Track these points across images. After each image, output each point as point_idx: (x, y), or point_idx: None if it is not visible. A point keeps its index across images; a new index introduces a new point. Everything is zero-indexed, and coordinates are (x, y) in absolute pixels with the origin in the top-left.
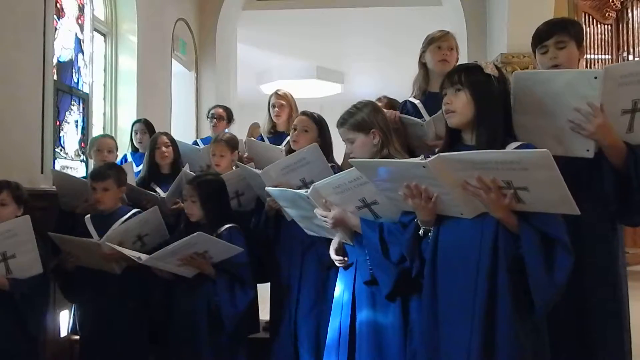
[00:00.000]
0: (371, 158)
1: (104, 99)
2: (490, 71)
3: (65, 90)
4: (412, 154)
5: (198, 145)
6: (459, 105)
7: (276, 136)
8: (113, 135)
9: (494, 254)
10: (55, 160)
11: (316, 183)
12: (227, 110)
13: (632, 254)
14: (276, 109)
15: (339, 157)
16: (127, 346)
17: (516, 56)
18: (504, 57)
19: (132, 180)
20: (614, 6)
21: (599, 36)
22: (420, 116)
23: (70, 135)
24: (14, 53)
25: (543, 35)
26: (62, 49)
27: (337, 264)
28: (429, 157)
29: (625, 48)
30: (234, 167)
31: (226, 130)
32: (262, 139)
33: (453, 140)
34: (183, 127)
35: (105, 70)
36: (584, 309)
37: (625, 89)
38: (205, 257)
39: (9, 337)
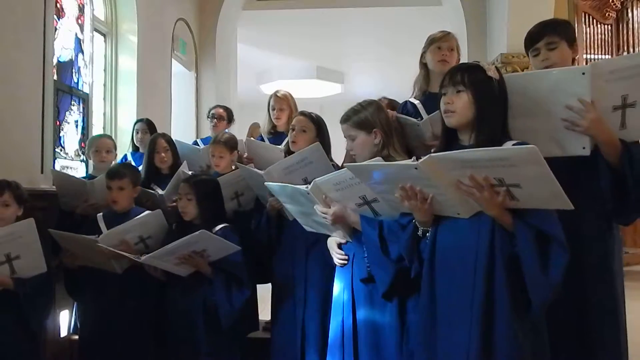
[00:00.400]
0: (371, 157)
1: (104, 99)
2: (492, 74)
3: (65, 90)
4: (411, 155)
5: (198, 145)
6: (460, 106)
7: (276, 136)
8: (113, 135)
9: (491, 253)
10: (55, 160)
11: (317, 179)
12: (228, 111)
13: (632, 254)
14: (276, 111)
15: (338, 157)
16: (128, 346)
17: (516, 56)
18: (504, 57)
19: None
20: (614, 6)
21: (599, 36)
22: (420, 116)
23: (70, 135)
24: (14, 53)
25: (533, 38)
26: (62, 49)
27: (339, 261)
28: (421, 158)
29: (625, 48)
30: (233, 167)
31: (226, 131)
32: (262, 139)
33: (449, 140)
34: (183, 127)
35: (105, 70)
36: (582, 307)
37: (614, 85)
38: (203, 256)
39: (12, 336)
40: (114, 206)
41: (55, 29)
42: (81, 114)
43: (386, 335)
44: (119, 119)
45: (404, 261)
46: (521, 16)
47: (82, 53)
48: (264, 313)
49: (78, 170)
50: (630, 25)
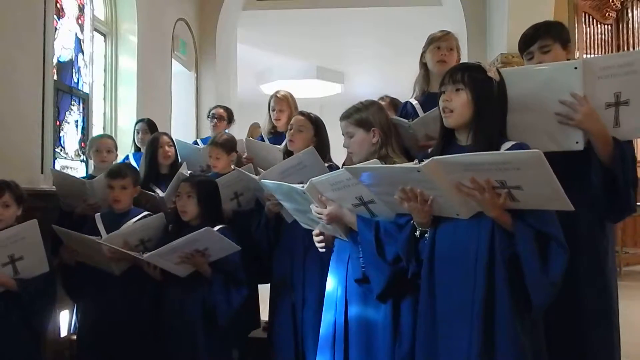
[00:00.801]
0: (367, 156)
1: (104, 99)
2: (492, 75)
3: (65, 90)
4: (409, 155)
5: (198, 145)
6: (458, 105)
7: (276, 137)
8: (113, 135)
9: (490, 253)
10: (55, 160)
11: (313, 179)
12: (228, 111)
13: (632, 254)
14: (276, 112)
15: (339, 158)
16: (126, 346)
17: (516, 56)
18: (504, 57)
19: None
20: (614, 6)
21: (599, 36)
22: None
23: (70, 135)
24: (14, 53)
25: (527, 41)
26: (62, 49)
27: (317, 245)
28: (423, 161)
29: (625, 48)
30: (233, 167)
31: (226, 131)
32: (263, 139)
33: (447, 140)
34: (183, 127)
35: (105, 70)
36: (575, 307)
37: (606, 82)
38: (204, 255)
39: (16, 337)
40: (115, 205)
41: (55, 29)
42: (81, 114)
43: (378, 335)
44: (119, 119)
45: (399, 263)
46: (521, 16)
47: (82, 53)
48: (265, 313)
49: (78, 170)
50: (630, 25)
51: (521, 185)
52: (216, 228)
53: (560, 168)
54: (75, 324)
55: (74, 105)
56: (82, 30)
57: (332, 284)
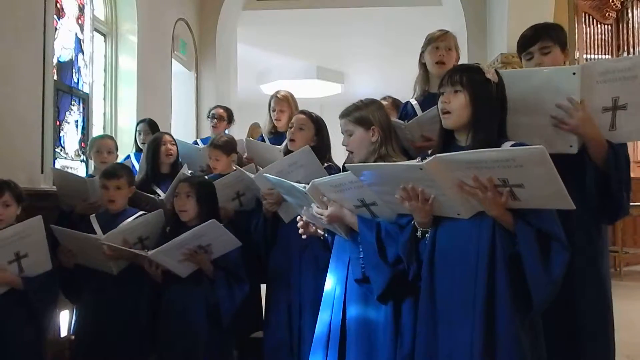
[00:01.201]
0: (367, 155)
1: (104, 99)
2: (491, 77)
3: (65, 90)
4: (406, 154)
5: (198, 145)
6: (456, 106)
7: (277, 137)
8: (113, 135)
9: (492, 253)
10: (55, 160)
11: (315, 180)
12: (228, 111)
13: (632, 254)
14: (276, 112)
15: (339, 158)
16: (124, 347)
17: (516, 56)
18: (504, 57)
19: None
20: (614, 6)
21: (599, 36)
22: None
23: (70, 135)
24: (14, 53)
25: (527, 42)
26: (62, 49)
27: (300, 230)
28: (425, 158)
29: (625, 48)
30: (234, 167)
31: (226, 131)
32: (263, 139)
33: (447, 141)
34: (183, 127)
35: (105, 70)
36: (571, 307)
37: (604, 87)
38: (207, 252)
39: (21, 334)
40: (109, 206)
41: (55, 29)
42: (81, 114)
43: (379, 336)
44: (119, 119)
45: (400, 264)
46: (521, 16)
47: (82, 53)
48: None
49: (78, 170)
50: (630, 25)
51: (523, 184)
52: None
53: (556, 169)
54: (74, 324)
55: (74, 105)
56: (82, 30)
57: (330, 283)
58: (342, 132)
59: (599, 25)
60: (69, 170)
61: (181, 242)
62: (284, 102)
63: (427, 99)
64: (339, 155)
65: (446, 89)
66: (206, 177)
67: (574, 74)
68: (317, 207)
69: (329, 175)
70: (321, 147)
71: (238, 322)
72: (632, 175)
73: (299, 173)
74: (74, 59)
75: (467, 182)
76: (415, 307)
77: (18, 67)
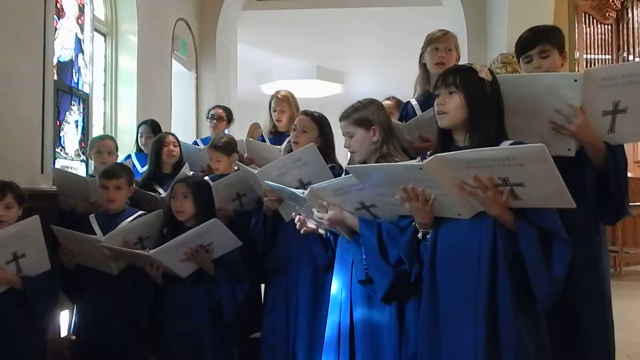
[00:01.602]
0: (369, 155)
1: (104, 99)
2: (484, 76)
3: (65, 90)
4: (407, 154)
5: (198, 145)
6: (452, 107)
7: (277, 137)
8: (113, 135)
9: (493, 253)
10: (55, 160)
11: (314, 185)
12: (227, 111)
13: (632, 254)
14: (277, 113)
15: (340, 157)
16: (124, 347)
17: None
18: (504, 57)
19: None
20: (614, 6)
21: (599, 36)
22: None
23: (70, 135)
24: (14, 53)
25: (526, 45)
26: (62, 49)
27: (298, 225)
28: (426, 158)
29: (625, 48)
30: (235, 168)
31: (226, 131)
32: (263, 140)
33: (445, 141)
34: (183, 127)
35: (105, 70)
36: (571, 307)
37: (606, 91)
38: (208, 251)
39: (21, 334)
40: (109, 205)
41: (55, 29)
42: (81, 114)
43: (384, 336)
44: (119, 119)
45: (403, 265)
46: (521, 16)
47: (82, 53)
48: None
49: (78, 170)
50: (630, 25)
51: (524, 182)
52: None
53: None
54: (74, 324)
55: (74, 105)
56: (82, 30)
57: (336, 286)
58: (343, 135)
59: (599, 25)
60: (69, 170)
61: (183, 241)
62: (285, 102)
63: (428, 99)
64: (340, 155)
65: (441, 90)
66: (208, 177)
67: (575, 80)
68: (318, 211)
69: (333, 175)
70: (325, 148)
71: (238, 322)
72: (632, 175)
73: (303, 171)
74: (74, 59)
75: (468, 182)
76: (420, 307)
77: (18, 67)
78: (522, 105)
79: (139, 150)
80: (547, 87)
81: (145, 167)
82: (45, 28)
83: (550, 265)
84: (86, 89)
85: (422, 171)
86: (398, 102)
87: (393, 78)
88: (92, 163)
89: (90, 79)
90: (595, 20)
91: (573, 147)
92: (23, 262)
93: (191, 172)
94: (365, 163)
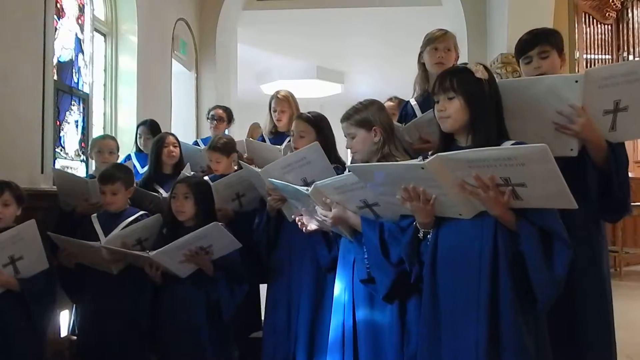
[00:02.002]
0: (370, 155)
1: (104, 99)
2: (481, 75)
3: (65, 90)
4: (409, 154)
5: (198, 145)
6: (453, 112)
7: (277, 137)
8: (113, 135)
9: (494, 253)
10: (55, 160)
11: (317, 182)
12: (227, 111)
13: (632, 254)
14: (277, 113)
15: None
16: (124, 347)
17: None
18: (504, 57)
19: None
20: (614, 6)
21: (599, 36)
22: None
23: (70, 135)
24: (14, 53)
25: (526, 46)
26: (62, 49)
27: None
28: (427, 158)
29: (626, 48)
30: (235, 167)
31: (226, 132)
32: (264, 140)
33: (447, 143)
34: (183, 127)
35: (105, 70)
36: (571, 307)
37: (606, 91)
38: (208, 253)
39: (19, 336)
40: (109, 208)
41: (55, 29)
42: (81, 114)
43: (386, 336)
44: (119, 119)
45: (404, 264)
46: (521, 16)
47: (82, 53)
48: None
49: (78, 170)
50: (630, 25)
51: (525, 182)
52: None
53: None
54: (74, 324)
55: (74, 105)
56: (82, 30)
57: (339, 287)
58: (344, 136)
59: (599, 25)
60: (69, 170)
61: (183, 244)
62: (285, 102)
63: (427, 99)
64: (343, 155)
65: (439, 96)
66: (208, 177)
67: (576, 81)
68: (321, 209)
69: (336, 174)
70: (326, 147)
71: (238, 322)
72: (632, 175)
73: (306, 170)
74: (74, 59)
75: (469, 182)
76: (421, 306)
77: (18, 67)
78: (524, 108)
79: (138, 151)
80: (549, 89)
81: (146, 168)
82: (45, 28)
83: (551, 266)
84: (86, 89)
85: (423, 171)
86: (400, 102)
87: (393, 78)
88: (92, 163)
89: (90, 79)
90: (595, 20)
91: (575, 147)
92: (20, 265)
93: (192, 172)
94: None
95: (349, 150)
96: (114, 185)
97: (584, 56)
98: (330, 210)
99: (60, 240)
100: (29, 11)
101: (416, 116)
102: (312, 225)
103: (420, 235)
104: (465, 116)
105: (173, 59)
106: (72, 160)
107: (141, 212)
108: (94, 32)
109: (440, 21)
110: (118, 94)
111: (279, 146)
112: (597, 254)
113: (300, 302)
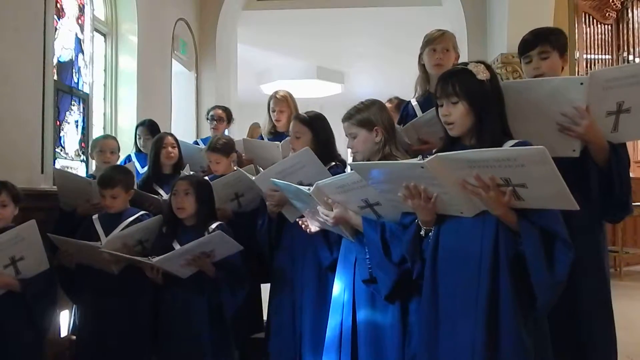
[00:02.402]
0: (371, 155)
1: (104, 99)
2: (482, 76)
3: (65, 90)
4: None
5: (199, 145)
6: (458, 117)
7: (277, 137)
8: (113, 135)
9: (495, 252)
10: (55, 160)
11: (319, 182)
12: (227, 111)
13: (632, 254)
14: (276, 113)
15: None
16: (125, 347)
17: (516, 56)
18: (504, 57)
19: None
20: (614, 6)
21: (599, 36)
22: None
23: (70, 135)
24: (14, 53)
25: (527, 46)
26: (62, 49)
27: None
28: (427, 157)
29: (626, 48)
30: (235, 167)
31: (226, 132)
32: (263, 139)
33: (452, 142)
34: (183, 127)
35: (105, 70)
36: (572, 307)
37: (610, 92)
38: (210, 256)
39: (19, 337)
40: (109, 210)
41: (55, 29)
42: (81, 114)
43: (387, 337)
44: (119, 119)
45: (406, 263)
46: (521, 16)
47: (82, 53)
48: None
49: (78, 170)
50: (630, 25)
51: (526, 183)
52: (214, 225)
53: (558, 168)
54: (74, 324)
55: (74, 105)
56: (82, 30)
57: (338, 287)
58: (346, 135)
59: (599, 25)
60: (69, 171)
61: (186, 252)
62: (283, 102)
63: (428, 99)
64: (343, 155)
65: (443, 101)
66: (208, 177)
67: (581, 84)
68: (323, 209)
69: (336, 172)
70: (325, 146)
71: (239, 323)
72: (632, 175)
73: (302, 173)
74: (74, 59)
75: (470, 181)
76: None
77: (18, 67)
78: (528, 109)
79: (138, 151)
80: (553, 91)
81: (146, 168)
82: (45, 28)
83: (552, 267)
84: (86, 89)
85: (423, 169)
86: (400, 102)
87: (393, 78)
88: (92, 163)
89: (90, 79)
90: (595, 20)
91: (578, 148)
92: (21, 265)
93: (191, 172)
94: None
95: (349, 150)
96: (113, 190)
97: (584, 56)
98: (332, 210)
99: (59, 241)
100: (29, 11)
101: (417, 117)
102: (315, 227)
103: (422, 233)
104: (470, 120)
105: (173, 59)
106: (72, 160)
107: (142, 212)
108: (94, 32)
109: (440, 21)
110: (118, 94)
111: (276, 142)
112: (599, 255)
113: (304, 302)
